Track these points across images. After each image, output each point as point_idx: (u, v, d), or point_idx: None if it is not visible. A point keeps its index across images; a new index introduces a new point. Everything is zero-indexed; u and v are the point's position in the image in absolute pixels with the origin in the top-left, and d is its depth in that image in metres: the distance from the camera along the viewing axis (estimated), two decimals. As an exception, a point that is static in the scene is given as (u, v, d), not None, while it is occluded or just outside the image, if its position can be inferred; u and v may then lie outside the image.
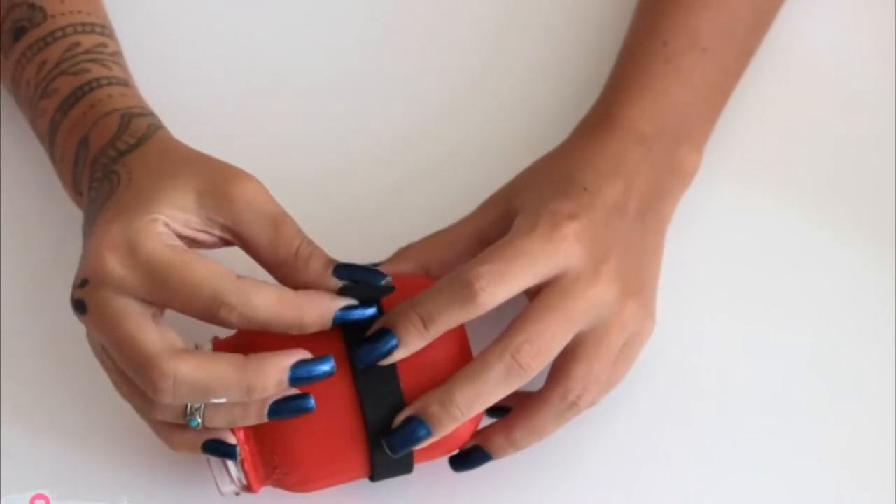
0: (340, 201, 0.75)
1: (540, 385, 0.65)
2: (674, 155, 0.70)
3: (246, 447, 0.61)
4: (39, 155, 0.70)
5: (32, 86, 0.68)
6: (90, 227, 0.62)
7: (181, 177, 0.61)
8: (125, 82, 0.68)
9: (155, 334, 0.59)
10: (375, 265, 0.67)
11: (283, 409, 0.60)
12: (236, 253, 0.62)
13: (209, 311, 0.59)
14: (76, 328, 0.61)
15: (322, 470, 0.63)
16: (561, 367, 0.64)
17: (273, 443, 0.61)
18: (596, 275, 0.63)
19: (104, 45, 0.69)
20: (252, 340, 0.62)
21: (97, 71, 0.67)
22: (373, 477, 0.64)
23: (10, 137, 0.75)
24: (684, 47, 0.72)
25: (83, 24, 0.69)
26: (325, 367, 0.59)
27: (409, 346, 0.61)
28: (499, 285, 0.61)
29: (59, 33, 0.68)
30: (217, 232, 0.61)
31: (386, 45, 0.80)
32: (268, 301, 0.59)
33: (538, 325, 0.62)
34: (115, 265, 0.59)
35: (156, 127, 0.64)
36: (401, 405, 0.62)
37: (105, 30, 0.70)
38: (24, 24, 0.69)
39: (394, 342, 0.61)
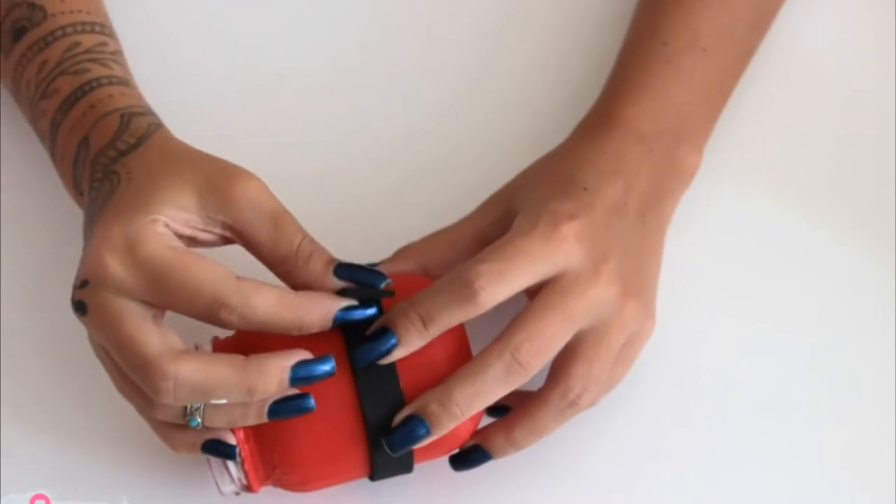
0: (340, 201, 0.75)
1: (539, 385, 0.65)
2: (674, 155, 0.70)
3: (246, 447, 0.61)
4: (39, 154, 0.70)
5: (33, 86, 0.68)
6: (90, 227, 0.62)
7: (181, 176, 0.61)
8: (125, 81, 0.68)
9: (155, 336, 0.59)
10: (375, 265, 0.67)
11: (283, 408, 0.60)
12: (238, 251, 0.62)
13: (209, 313, 0.59)
14: (76, 328, 0.61)
15: (322, 469, 0.63)
16: (561, 366, 0.64)
17: (273, 442, 0.61)
18: (596, 274, 0.63)
19: (104, 44, 0.69)
20: (252, 340, 0.62)
21: (97, 70, 0.67)
22: (373, 476, 0.64)
23: (11, 137, 0.75)
24: (684, 47, 0.72)
25: (83, 24, 0.69)
26: (326, 367, 0.60)
27: (408, 345, 0.61)
28: (498, 284, 0.61)
29: (59, 33, 0.68)
30: (218, 230, 0.61)
31: (386, 45, 0.80)
32: (268, 302, 0.59)
33: (538, 324, 0.62)
34: (115, 267, 0.59)
35: (156, 126, 0.64)
36: (400, 404, 0.62)
37: (105, 29, 0.70)
38: (24, 23, 0.69)
39: (393, 341, 0.61)
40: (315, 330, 0.60)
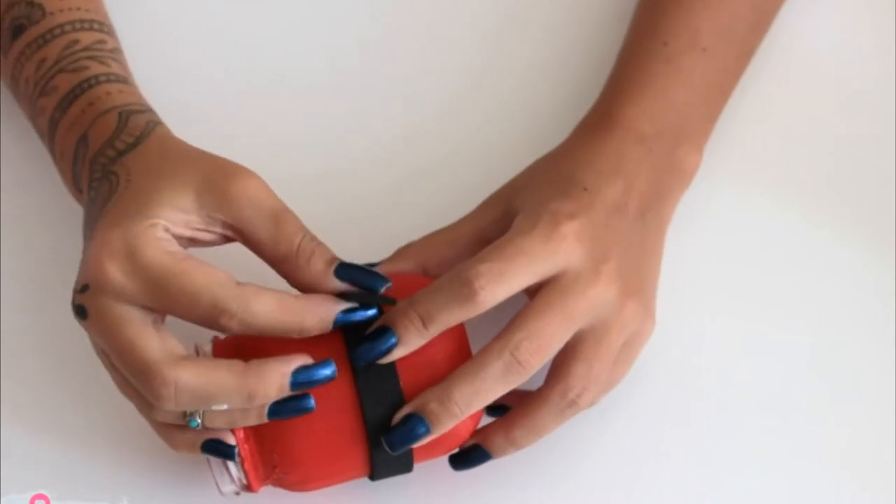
0: (340, 201, 0.75)
1: (539, 385, 0.65)
2: (674, 155, 0.70)
3: (246, 446, 0.61)
4: (39, 152, 0.70)
5: (32, 84, 0.68)
6: (90, 229, 0.62)
7: (180, 176, 0.61)
8: (124, 79, 0.68)
9: (155, 341, 0.59)
10: (375, 265, 0.67)
11: (283, 409, 0.60)
12: (238, 251, 0.62)
13: (210, 319, 0.59)
14: (76, 328, 0.61)
15: (322, 469, 0.63)
16: (561, 365, 0.64)
17: (273, 442, 0.61)
18: (596, 274, 0.63)
19: (103, 41, 0.69)
20: (252, 341, 0.62)
21: (95, 68, 0.67)
22: (373, 476, 0.64)
23: (11, 135, 0.75)
24: (684, 47, 0.72)
25: (81, 21, 0.69)
26: (326, 372, 0.60)
27: (408, 344, 0.61)
28: (498, 284, 0.61)
29: (58, 30, 0.68)
30: (218, 229, 0.61)
31: (386, 45, 0.80)
32: (268, 307, 0.59)
33: (538, 323, 0.62)
34: (114, 273, 0.59)
35: (154, 123, 0.64)
36: (400, 404, 0.62)
37: (104, 26, 0.70)
38: (23, 21, 0.69)
39: (393, 340, 0.61)
40: (315, 333, 0.60)
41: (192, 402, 0.59)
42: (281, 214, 0.61)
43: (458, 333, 0.63)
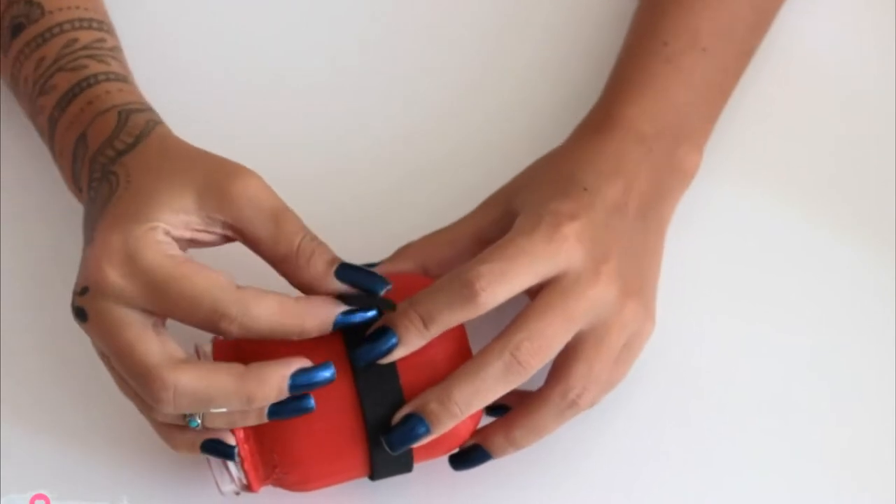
0: (340, 201, 0.75)
1: (539, 385, 0.65)
2: (674, 155, 0.70)
3: (246, 446, 0.61)
4: (40, 151, 0.70)
5: (31, 82, 0.68)
6: (90, 230, 0.62)
7: (179, 176, 0.61)
8: (123, 77, 0.68)
9: (155, 344, 0.59)
10: (375, 264, 0.67)
11: (283, 409, 0.60)
12: (238, 250, 0.62)
13: (210, 323, 0.59)
14: (76, 328, 0.61)
15: (322, 469, 0.63)
16: (561, 366, 0.64)
17: (273, 442, 0.61)
18: (596, 275, 0.63)
19: (102, 40, 0.69)
20: (252, 341, 0.61)
21: (94, 67, 0.67)
22: (373, 476, 0.64)
23: (11, 133, 0.75)
24: (684, 47, 0.72)
25: (81, 20, 0.69)
26: (326, 374, 0.60)
27: (408, 344, 0.61)
28: (499, 285, 0.61)
29: (57, 29, 0.68)
30: (218, 230, 0.61)
31: (386, 45, 0.80)
32: (268, 311, 0.59)
33: (538, 324, 0.62)
34: (114, 277, 0.59)
35: (154, 123, 0.64)
36: (400, 404, 0.62)
37: (103, 25, 0.70)
38: (22, 20, 0.69)
39: (394, 341, 0.61)
40: (315, 335, 0.60)
41: (191, 406, 0.59)
42: (281, 214, 0.61)
43: (459, 334, 0.63)
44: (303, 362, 0.59)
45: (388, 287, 0.61)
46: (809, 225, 0.75)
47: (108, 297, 0.59)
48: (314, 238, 0.61)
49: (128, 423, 0.66)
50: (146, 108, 0.66)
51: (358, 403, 0.61)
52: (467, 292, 0.61)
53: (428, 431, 0.62)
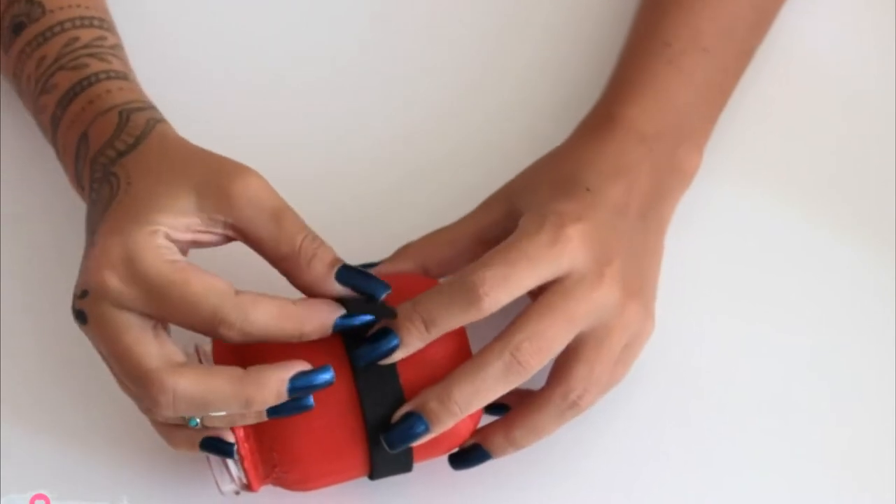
0: (340, 201, 0.75)
1: (540, 384, 0.65)
2: (674, 155, 0.70)
3: (245, 445, 0.61)
4: (41, 151, 0.70)
5: (33, 81, 0.68)
6: (91, 233, 0.61)
7: (179, 178, 0.61)
8: (124, 75, 0.67)
9: (154, 348, 0.59)
10: (375, 264, 0.67)
11: (282, 407, 0.60)
12: (239, 250, 0.62)
13: (209, 328, 0.59)
14: (76, 328, 0.61)
15: (322, 468, 0.63)
16: (562, 366, 0.64)
17: (273, 441, 0.61)
18: (599, 276, 0.63)
19: (103, 38, 0.69)
20: (251, 343, 0.61)
21: (95, 65, 0.67)
22: (372, 475, 0.64)
23: (11, 132, 0.75)
24: (686, 48, 0.72)
25: (82, 18, 0.69)
26: (325, 377, 0.59)
27: (409, 346, 0.61)
28: (502, 290, 0.61)
29: (58, 28, 0.68)
30: (220, 230, 0.61)
31: (386, 45, 0.80)
32: (267, 315, 0.59)
33: (539, 325, 0.62)
34: (114, 282, 0.59)
35: (154, 121, 0.64)
36: (401, 402, 0.62)
37: (104, 23, 0.70)
38: (23, 19, 0.69)
39: (395, 342, 0.61)
40: (315, 337, 0.60)
41: (189, 409, 0.59)
42: (282, 213, 0.60)
43: (459, 333, 0.63)
44: (302, 365, 0.59)
45: (389, 291, 0.61)
46: (809, 225, 0.75)
47: (107, 300, 0.59)
48: (316, 238, 0.61)
49: (128, 423, 0.66)
50: (147, 107, 0.66)
51: (358, 402, 0.61)
52: (470, 296, 0.61)
53: (427, 430, 0.62)
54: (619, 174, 0.67)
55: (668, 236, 0.70)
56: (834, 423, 0.70)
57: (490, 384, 0.61)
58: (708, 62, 0.72)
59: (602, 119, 0.71)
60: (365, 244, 0.69)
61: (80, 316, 0.60)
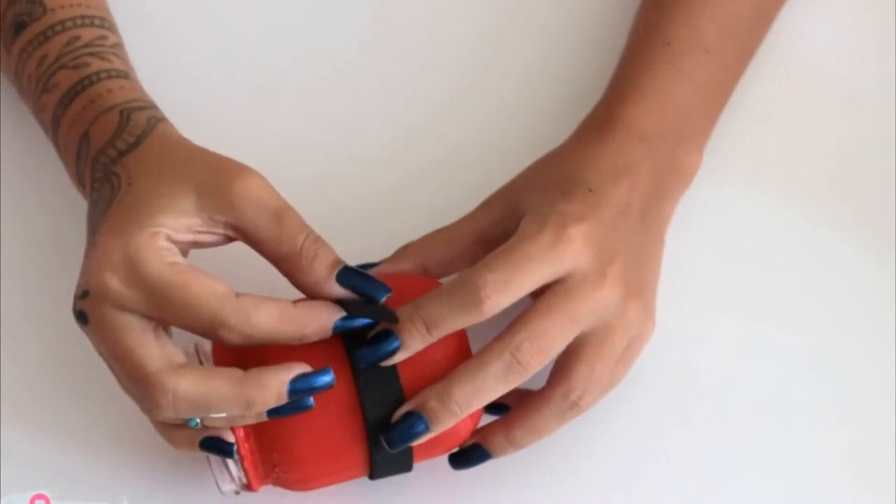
0: (340, 201, 0.75)
1: (539, 384, 0.65)
2: (674, 155, 0.70)
3: (245, 445, 0.61)
4: (41, 148, 0.70)
5: (34, 80, 0.68)
6: (92, 233, 0.61)
7: (180, 178, 0.61)
8: (125, 74, 0.67)
9: (155, 349, 0.59)
10: (375, 264, 0.67)
11: (282, 408, 0.60)
12: (241, 249, 0.62)
13: (209, 331, 0.59)
14: (76, 328, 0.61)
15: (322, 468, 0.63)
16: (563, 366, 0.64)
17: (273, 441, 0.61)
18: (602, 277, 0.63)
19: (104, 37, 0.69)
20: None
21: (96, 64, 0.67)
22: (372, 475, 0.64)
23: (11, 131, 0.75)
24: (686, 48, 0.72)
25: (83, 17, 0.69)
26: (325, 379, 0.59)
27: (410, 348, 0.61)
28: (504, 293, 0.61)
29: (59, 27, 0.68)
30: (221, 230, 0.61)
31: (386, 45, 0.80)
32: (268, 318, 0.59)
33: (540, 325, 0.62)
34: (115, 284, 0.59)
35: (155, 120, 0.64)
36: (401, 402, 0.62)
37: (105, 22, 0.70)
38: (24, 18, 0.69)
39: (396, 344, 0.61)
40: (315, 339, 0.60)
41: (189, 411, 0.59)
42: (283, 213, 0.60)
43: (459, 333, 0.63)
44: (302, 367, 0.59)
45: (390, 294, 0.61)
46: (809, 225, 0.75)
47: (108, 302, 0.59)
48: (317, 239, 0.61)
49: (128, 423, 0.66)
50: (148, 106, 0.66)
51: (358, 402, 0.61)
52: (472, 299, 0.61)
53: (427, 429, 0.62)
54: (620, 174, 0.67)
55: (668, 236, 0.70)
56: (834, 423, 0.71)
57: (490, 384, 0.61)
58: (708, 62, 0.72)
59: (602, 119, 0.71)
60: (365, 244, 0.69)
61: (81, 316, 0.60)
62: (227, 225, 0.61)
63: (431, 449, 0.64)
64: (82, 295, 0.60)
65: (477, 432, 0.65)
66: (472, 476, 0.66)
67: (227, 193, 0.60)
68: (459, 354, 0.63)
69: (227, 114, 0.77)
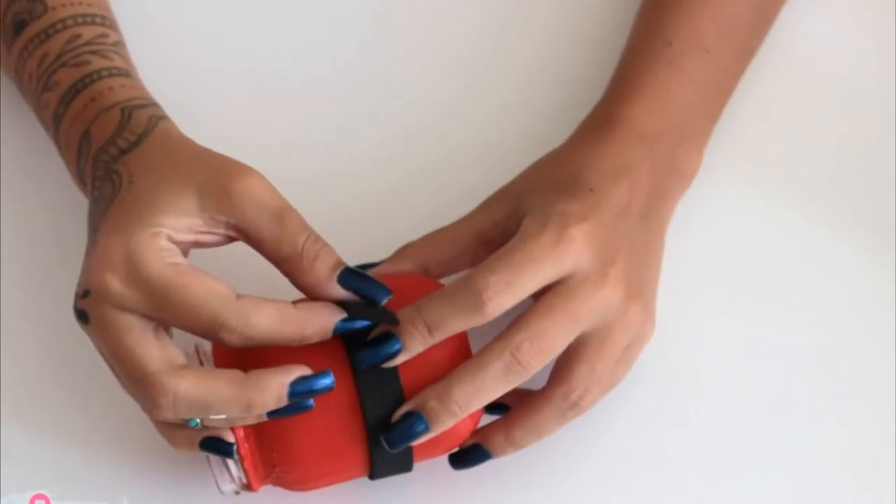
0: (340, 201, 0.75)
1: (539, 384, 0.65)
2: (674, 155, 0.70)
3: (245, 445, 0.61)
4: (42, 147, 0.70)
5: (35, 79, 0.68)
6: (93, 231, 0.61)
7: (181, 177, 0.61)
8: (126, 72, 0.67)
9: (155, 350, 0.59)
10: (375, 264, 0.67)
11: (282, 408, 0.60)
12: (242, 249, 0.62)
13: (210, 332, 0.59)
14: (77, 328, 0.61)
15: (322, 468, 0.63)
16: (563, 367, 0.64)
17: (273, 441, 0.61)
18: (603, 277, 0.63)
19: (105, 35, 0.69)
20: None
21: (97, 62, 0.67)
22: (372, 475, 0.64)
23: (12, 129, 0.75)
24: (686, 48, 0.72)
25: (83, 16, 0.69)
26: (326, 382, 0.59)
27: (411, 350, 0.61)
28: (506, 294, 0.61)
29: (60, 25, 0.68)
30: (222, 230, 0.61)
31: (386, 45, 0.80)
32: (268, 319, 0.59)
33: (541, 325, 0.62)
34: (115, 284, 0.59)
35: (157, 118, 0.64)
36: (401, 402, 0.62)
37: (106, 20, 0.70)
38: (25, 17, 0.69)
39: (397, 346, 0.61)
40: (316, 340, 0.60)
41: (189, 412, 0.59)
42: (285, 213, 0.60)
43: (460, 333, 0.63)
44: (302, 370, 0.59)
45: (391, 296, 0.61)
46: (809, 225, 0.75)
47: (109, 302, 0.59)
48: (318, 239, 0.61)
49: (128, 423, 0.66)
50: (149, 104, 0.66)
51: (358, 403, 0.61)
52: (474, 301, 0.61)
53: (427, 429, 0.62)
54: (621, 174, 0.67)
55: (668, 236, 0.70)
56: (834, 423, 0.71)
57: (490, 384, 0.61)
58: (708, 62, 0.72)
59: (603, 119, 0.71)
60: (365, 244, 0.69)
61: (82, 316, 0.60)
62: (228, 225, 0.61)
63: (431, 449, 0.64)
64: (83, 294, 0.60)
65: (477, 432, 0.65)
66: (472, 476, 0.66)
67: (228, 193, 0.60)
68: (459, 355, 0.63)
69: (228, 113, 0.77)
